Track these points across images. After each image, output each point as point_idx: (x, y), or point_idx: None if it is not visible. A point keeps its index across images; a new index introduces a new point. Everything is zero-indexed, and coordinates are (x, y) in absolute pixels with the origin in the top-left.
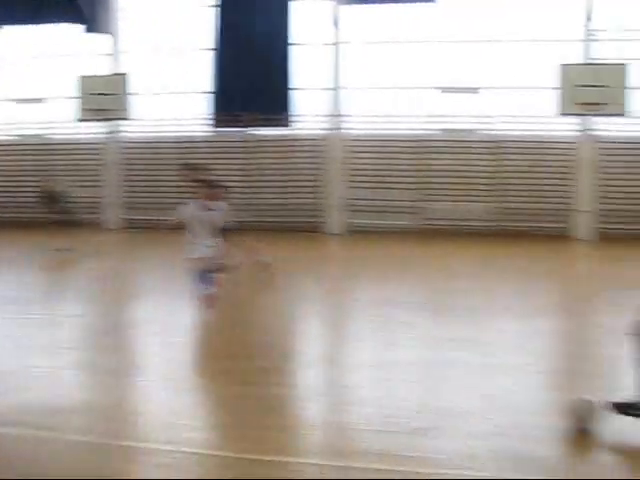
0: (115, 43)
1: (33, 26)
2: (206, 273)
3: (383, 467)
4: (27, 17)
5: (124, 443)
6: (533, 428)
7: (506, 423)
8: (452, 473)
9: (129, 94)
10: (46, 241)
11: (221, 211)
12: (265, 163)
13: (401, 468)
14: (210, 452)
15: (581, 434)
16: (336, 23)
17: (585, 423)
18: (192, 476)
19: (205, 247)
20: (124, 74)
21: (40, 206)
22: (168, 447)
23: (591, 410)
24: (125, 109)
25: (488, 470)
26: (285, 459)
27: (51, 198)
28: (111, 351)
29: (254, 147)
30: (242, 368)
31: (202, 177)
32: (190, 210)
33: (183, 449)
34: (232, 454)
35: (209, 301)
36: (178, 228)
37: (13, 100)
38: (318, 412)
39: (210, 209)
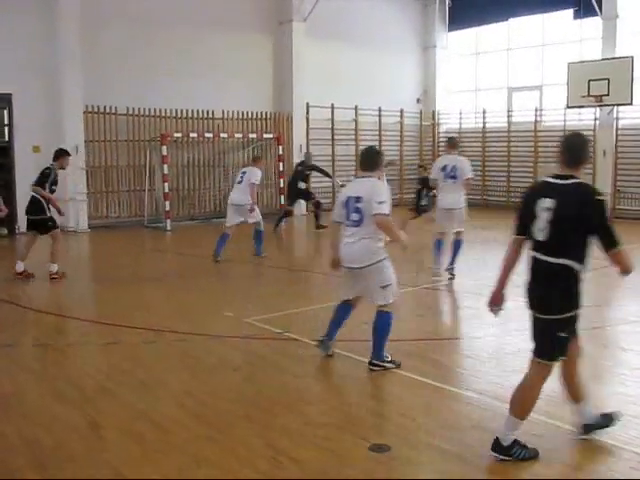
0: (611, 27)
1: (533, 16)
2: None
3: None
4: (528, 8)
5: None
6: None
7: None
8: None
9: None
10: None
11: None
12: None
13: None
14: None
15: None
16: None
17: None
18: None
19: None
20: (629, 57)
21: None
22: None
23: None
24: (627, 94)
25: None
26: None
27: None
28: None
29: None
30: None
31: None
32: None
33: None
34: None
35: None
36: None
37: (510, 89)
38: None
39: None
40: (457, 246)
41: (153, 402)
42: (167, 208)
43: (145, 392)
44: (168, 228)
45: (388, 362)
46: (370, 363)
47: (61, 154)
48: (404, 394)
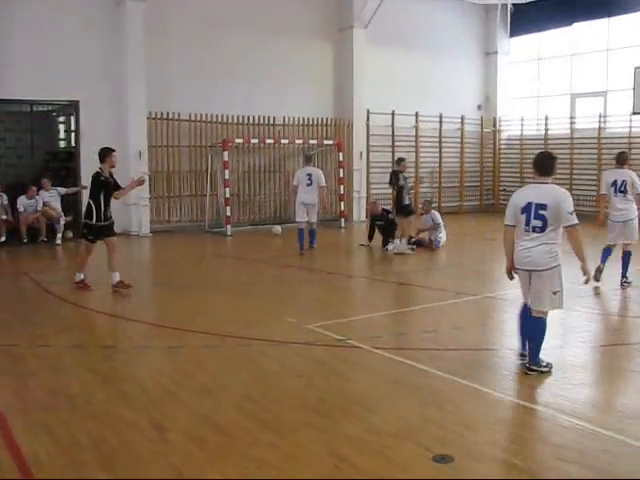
0: None
1: (598, 20)
2: None
3: None
4: (593, 12)
5: None
6: None
7: None
8: None
9: None
10: None
11: None
12: None
13: None
14: None
15: None
16: None
17: None
18: None
19: None
20: None
21: None
22: None
23: None
24: None
25: None
26: None
27: None
28: None
29: None
30: None
31: None
32: None
33: None
34: None
35: None
36: None
37: (574, 95)
38: None
39: None
40: (627, 257)
41: (216, 406)
42: (228, 213)
43: (208, 396)
44: (228, 233)
45: (544, 366)
46: (527, 369)
47: (107, 152)
48: (466, 404)
